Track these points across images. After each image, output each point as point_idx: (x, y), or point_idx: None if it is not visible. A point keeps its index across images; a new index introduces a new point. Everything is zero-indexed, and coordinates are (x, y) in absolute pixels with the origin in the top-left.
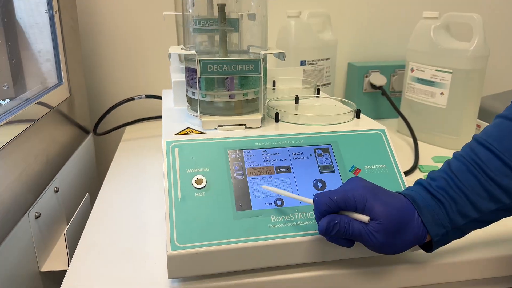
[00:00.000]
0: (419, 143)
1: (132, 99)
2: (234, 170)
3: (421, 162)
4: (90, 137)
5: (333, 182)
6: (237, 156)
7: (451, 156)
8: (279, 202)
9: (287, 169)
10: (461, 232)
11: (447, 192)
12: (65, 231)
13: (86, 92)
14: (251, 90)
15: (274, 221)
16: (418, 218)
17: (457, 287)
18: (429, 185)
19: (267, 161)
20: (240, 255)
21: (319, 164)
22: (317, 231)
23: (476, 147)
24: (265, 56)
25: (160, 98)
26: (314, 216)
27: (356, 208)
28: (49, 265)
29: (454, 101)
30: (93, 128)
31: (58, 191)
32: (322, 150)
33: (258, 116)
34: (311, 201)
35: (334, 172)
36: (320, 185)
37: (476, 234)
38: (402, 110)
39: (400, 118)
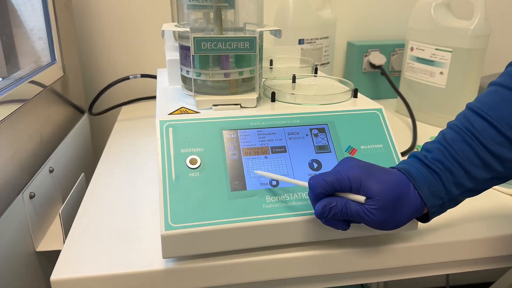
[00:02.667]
0: (418, 123)
1: (127, 78)
2: (229, 150)
3: (419, 142)
4: (85, 117)
5: (329, 163)
6: (232, 136)
7: None
8: (274, 183)
9: (282, 149)
10: (456, 201)
11: (443, 163)
12: (60, 211)
13: (80, 71)
14: (246, 69)
15: (269, 201)
16: (415, 191)
17: (452, 266)
18: (424, 157)
19: (262, 141)
20: (234, 235)
21: (315, 144)
22: (312, 212)
23: (470, 116)
24: (261, 33)
25: (155, 77)
26: (308, 196)
27: (352, 188)
28: (44, 245)
29: (453, 80)
30: (88, 108)
31: (53, 171)
32: (318, 130)
33: (253, 96)
34: (306, 184)
35: (330, 152)
36: (315, 165)
37: (468, 214)
38: (401, 90)
39: (399, 98)
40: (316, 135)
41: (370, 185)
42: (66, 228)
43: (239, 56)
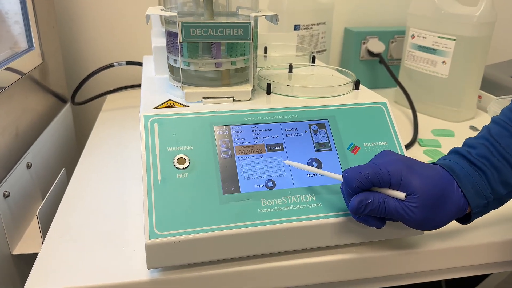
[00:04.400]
0: (418, 114)
1: (112, 65)
2: (221, 149)
3: (421, 135)
4: (67, 106)
5: (330, 161)
6: (224, 132)
7: (452, 129)
8: (270, 184)
9: (279, 147)
10: (501, 202)
11: (489, 160)
12: (38, 211)
13: (61, 58)
14: (240, 58)
15: (265, 205)
16: (458, 189)
17: (457, 271)
18: (468, 153)
19: (257, 138)
20: (227, 242)
21: (314, 141)
22: (311, 215)
23: None
24: (256, 19)
25: (142, 64)
26: (308, 199)
27: (391, 183)
28: (21, 248)
29: (456, 70)
30: (70, 97)
31: (31, 167)
32: (318, 126)
33: (247, 88)
34: (340, 177)
35: (331, 150)
36: (315, 164)
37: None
38: (400, 79)
39: (398, 88)
40: (315, 131)
41: (411, 180)
42: (45, 229)
43: (231, 44)
